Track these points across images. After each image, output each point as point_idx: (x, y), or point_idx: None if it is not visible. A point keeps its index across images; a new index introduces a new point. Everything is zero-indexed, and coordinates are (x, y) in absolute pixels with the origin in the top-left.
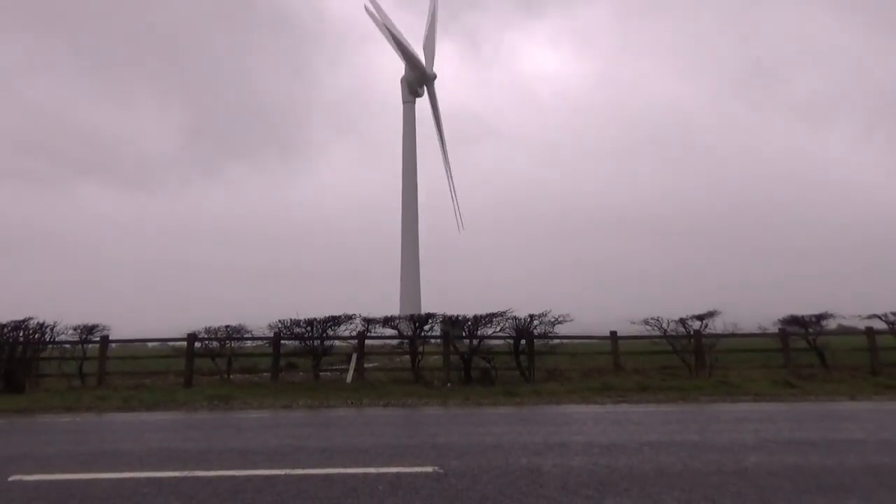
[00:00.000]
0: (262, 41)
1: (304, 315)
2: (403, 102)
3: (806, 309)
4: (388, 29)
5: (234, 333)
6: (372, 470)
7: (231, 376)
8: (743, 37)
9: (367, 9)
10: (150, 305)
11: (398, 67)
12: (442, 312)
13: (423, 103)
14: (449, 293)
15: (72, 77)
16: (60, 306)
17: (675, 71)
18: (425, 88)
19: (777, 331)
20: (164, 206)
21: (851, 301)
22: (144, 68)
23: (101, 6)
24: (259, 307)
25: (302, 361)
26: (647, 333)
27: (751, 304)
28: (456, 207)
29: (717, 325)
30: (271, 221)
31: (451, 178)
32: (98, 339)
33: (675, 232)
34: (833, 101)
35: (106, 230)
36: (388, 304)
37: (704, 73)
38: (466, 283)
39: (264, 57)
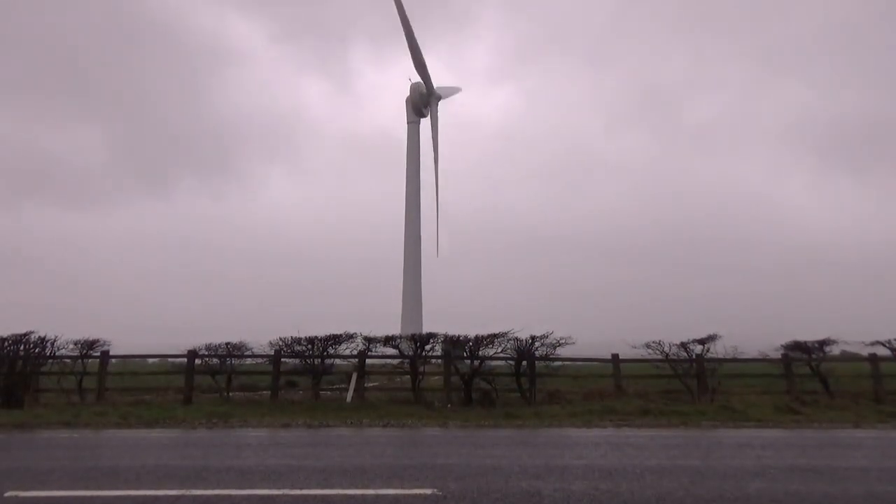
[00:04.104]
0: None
1: (304, 333)
2: (408, 123)
3: (808, 334)
4: (412, 38)
5: (235, 350)
6: (371, 491)
7: (231, 394)
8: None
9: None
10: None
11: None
12: (443, 332)
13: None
14: (451, 313)
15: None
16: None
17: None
18: (429, 108)
19: (780, 356)
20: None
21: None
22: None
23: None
24: (254, 323)
25: (302, 380)
26: (648, 357)
27: (751, 329)
28: (438, 231)
29: (718, 350)
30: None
31: (439, 200)
32: (98, 354)
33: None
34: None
35: (59, 247)
36: (389, 322)
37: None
38: (468, 302)
39: (211, 79)
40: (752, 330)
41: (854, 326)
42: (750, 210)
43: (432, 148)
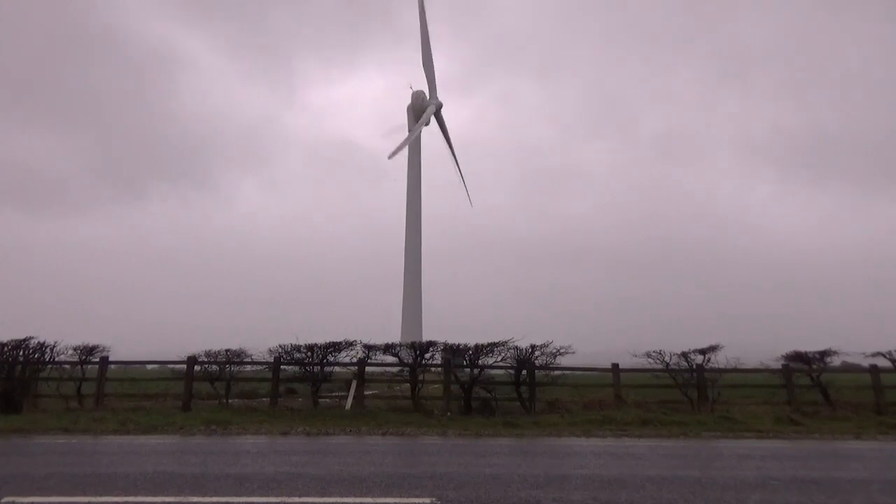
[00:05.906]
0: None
1: (304, 340)
2: (409, 130)
3: (809, 345)
4: (428, 47)
5: (234, 357)
6: (369, 500)
7: (230, 401)
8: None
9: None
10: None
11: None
12: (443, 341)
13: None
14: (451, 320)
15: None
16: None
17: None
18: (431, 116)
19: (781, 367)
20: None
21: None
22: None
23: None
24: (254, 329)
25: (301, 387)
26: (649, 366)
27: (751, 340)
28: (465, 186)
29: (719, 360)
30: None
31: (459, 164)
32: (97, 359)
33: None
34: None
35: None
36: (389, 330)
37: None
38: (469, 310)
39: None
40: (754, 340)
41: (854, 332)
42: (747, 219)
43: (447, 145)
